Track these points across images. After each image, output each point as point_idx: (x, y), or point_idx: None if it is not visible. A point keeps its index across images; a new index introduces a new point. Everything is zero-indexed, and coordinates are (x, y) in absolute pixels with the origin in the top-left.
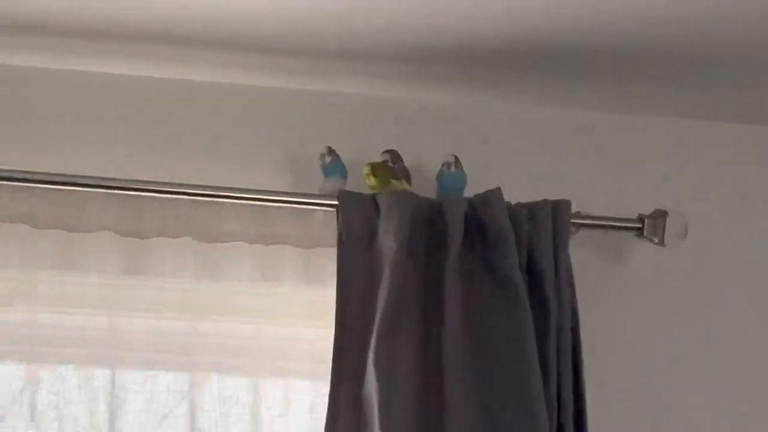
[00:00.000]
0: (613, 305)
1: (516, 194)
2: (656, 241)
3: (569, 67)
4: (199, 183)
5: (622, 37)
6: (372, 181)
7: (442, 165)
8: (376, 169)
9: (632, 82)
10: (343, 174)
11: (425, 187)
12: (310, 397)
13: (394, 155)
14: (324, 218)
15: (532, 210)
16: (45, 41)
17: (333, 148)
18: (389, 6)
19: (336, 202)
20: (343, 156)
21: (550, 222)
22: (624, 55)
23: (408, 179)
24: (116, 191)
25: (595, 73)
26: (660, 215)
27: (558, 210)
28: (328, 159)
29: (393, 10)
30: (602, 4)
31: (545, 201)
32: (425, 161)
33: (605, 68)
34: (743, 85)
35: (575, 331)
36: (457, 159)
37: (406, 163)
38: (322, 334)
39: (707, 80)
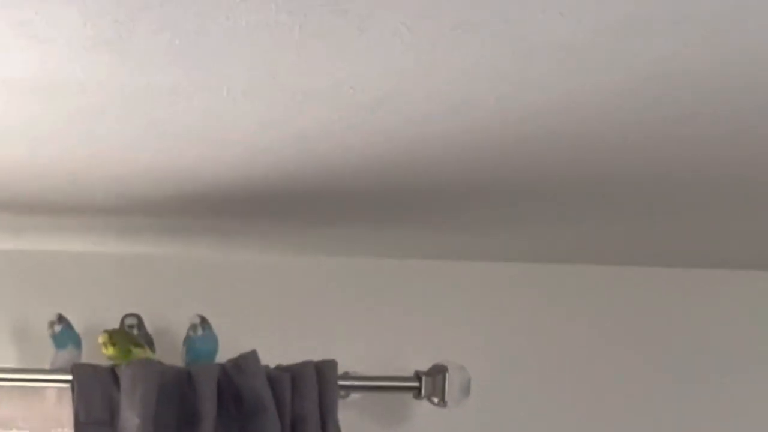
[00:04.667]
0: None
1: (275, 356)
2: (436, 401)
3: (326, 211)
4: None
5: (381, 177)
6: (110, 350)
7: (189, 327)
8: (113, 336)
9: (396, 224)
10: (77, 344)
11: (173, 354)
12: None
13: (136, 319)
14: (57, 396)
15: (294, 373)
16: None
17: (63, 315)
18: (110, 156)
19: (70, 377)
20: (77, 323)
21: (315, 386)
22: (384, 196)
23: (152, 346)
24: None
25: (357, 216)
26: (439, 371)
27: (323, 372)
28: (58, 327)
29: (114, 161)
30: (358, 147)
31: (308, 362)
32: (171, 324)
33: (366, 211)
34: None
35: None
36: (204, 319)
37: (149, 328)
38: None
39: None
